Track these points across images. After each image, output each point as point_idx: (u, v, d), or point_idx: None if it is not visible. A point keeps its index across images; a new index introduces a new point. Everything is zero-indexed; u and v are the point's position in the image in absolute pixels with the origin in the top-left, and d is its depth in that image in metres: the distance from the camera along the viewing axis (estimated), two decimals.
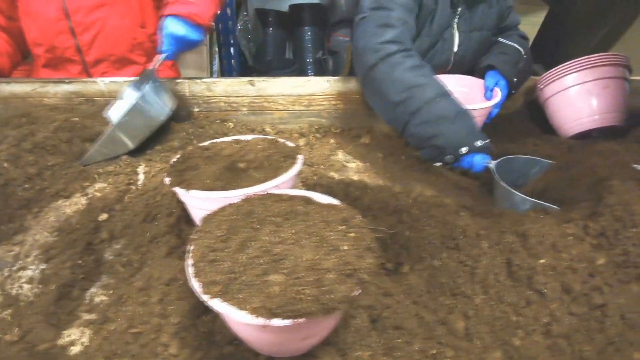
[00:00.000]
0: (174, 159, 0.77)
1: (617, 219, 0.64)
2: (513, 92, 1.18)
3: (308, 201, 0.63)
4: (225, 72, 2.06)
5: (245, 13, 3.07)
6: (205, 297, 0.45)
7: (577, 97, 1.13)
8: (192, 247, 0.52)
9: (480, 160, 0.93)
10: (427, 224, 0.72)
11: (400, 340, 0.56)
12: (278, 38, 3.31)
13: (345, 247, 0.49)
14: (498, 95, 1.08)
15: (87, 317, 0.66)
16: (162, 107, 1.05)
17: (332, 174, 1.05)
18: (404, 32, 1.01)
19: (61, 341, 0.62)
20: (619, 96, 1.09)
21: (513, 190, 0.79)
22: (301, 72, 3.13)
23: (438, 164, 0.99)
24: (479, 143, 0.92)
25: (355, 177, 1.04)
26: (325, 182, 0.98)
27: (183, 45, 1.10)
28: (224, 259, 0.49)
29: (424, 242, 0.70)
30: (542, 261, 0.60)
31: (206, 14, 1.11)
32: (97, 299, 0.70)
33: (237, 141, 0.85)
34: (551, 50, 2.63)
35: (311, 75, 3.13)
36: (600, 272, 0.59)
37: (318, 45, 3.31)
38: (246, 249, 0.50)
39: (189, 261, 0.50)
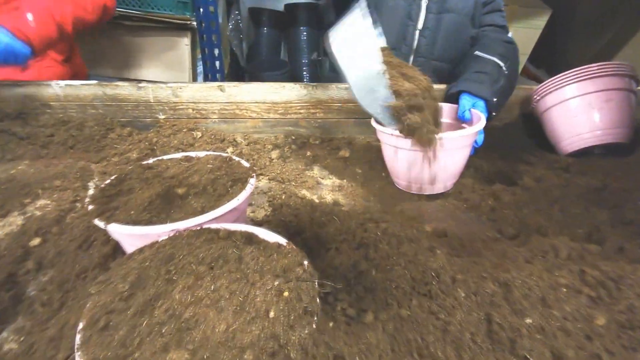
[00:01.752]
0: (108, 180, 0.66)
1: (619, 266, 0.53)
2: (494, 114, 1.03)
3: (249, 240, 0.53)
4: (210, 74, 1.96)
5: (237, 12, 2.96)
6: None
7: (577, 110, 1.02)
8: (87, 305, 0.42)
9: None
10: (396, 262, 0.62)
11: None
12: (272, 38, 3.20)
13: (273, 314, 0.39)
14: (482, 118, 0.89)
15: None
16: None
17: (304, 192, 0.95)
18: None
19: None
20: (623, 110, 0.98)
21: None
22: (296, 73, 3.02)
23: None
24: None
25: (329, 197, 0.94)
26: (293, 202, 0.88)
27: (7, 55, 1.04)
28: (118, 326, 0.38)
29: (391, 285, 0.59)
30: (528, 320, 0.49)
31: (36, 32, 1.06)
32: (6, 347, 0.59)
33: (187, 158, 0.74)
34: (553, 56, 2.52)
35: (306, 77, 3.03)
36: (599, 334, 0.49)
37: (314, 45, 3.20)
38: (150, 312, 0.40)
39: (79, 325, 0.40)
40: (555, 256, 0.59)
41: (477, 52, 1.08)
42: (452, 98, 1.04)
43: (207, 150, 0.74)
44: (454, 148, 0.84)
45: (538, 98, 1.10)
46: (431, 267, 0.59)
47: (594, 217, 0.77)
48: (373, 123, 0.90)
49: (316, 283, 0.45)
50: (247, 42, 3.09)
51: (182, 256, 0.47)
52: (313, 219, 0.77)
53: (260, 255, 0.48)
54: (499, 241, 0.73)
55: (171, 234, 0.52)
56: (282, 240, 0.53)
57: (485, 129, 0.98)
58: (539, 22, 2.48)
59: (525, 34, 2.44)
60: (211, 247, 0.49)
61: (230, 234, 0.53)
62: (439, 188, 0.94)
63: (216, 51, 1.88)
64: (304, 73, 3.08)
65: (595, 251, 0.62)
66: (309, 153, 1.12)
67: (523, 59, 2.53)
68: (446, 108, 1.01)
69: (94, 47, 1.72)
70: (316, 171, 1.05)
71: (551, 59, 2.48)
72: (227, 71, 2.65)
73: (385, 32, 1.23)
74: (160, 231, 0.53)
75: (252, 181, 0.65)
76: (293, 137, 1.18)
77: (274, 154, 1.09)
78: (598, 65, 0.98)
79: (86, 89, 1.09)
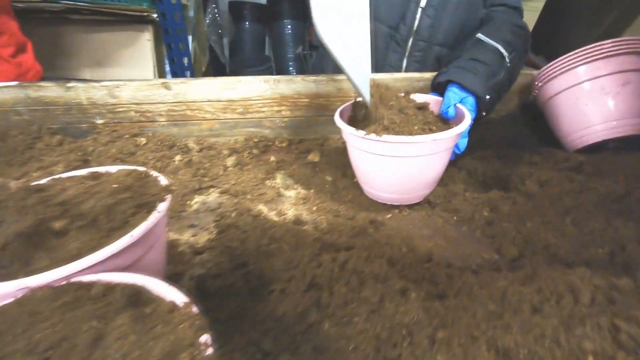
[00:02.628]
0: None
1: None
2: (484, 114, 0.84)
3: (133, 300, 0.36)
4: (178, 72, 1.79)
5: (214, 5, 2.79)
6: None
7: (588, 97, 0.85)
8: None
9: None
10: (356, 313, 0.45)
11: None
12: (255, 32, 3.04)
13: None
14: (467, 117, 0.71)
15: None
16: None
17: (260, 207, 0.79)
18: None
19: None
20: None
21: None
22: (281, 68, 2.85)
23: None
24: None
25: (290, 212, 0.77)
26: (243, 223, 0.72)
27: None
28: None
29: (348, 345, 0.43)
30: None
31: None
32: None
33: (93, 175, 0.58)
34: (554, 40, 2.34)
35: (292, 72, 2.86)
36: None
37: (299, 39, 3.04)
38: None
39: None
40: (575, 301, 0.42)
41: (479, 35, 0.89)
42: (440, 88, 0.87)
43: (135, 165, 0.57)
44: (428, 153, 0.67)
45: (540, 84, 0.93)
46: (402, 322, 0.42)
47: (617, 232, 0.60)
48: (337, 121, 0.73)
49: None
50: (228, 37, 2.92)
51: (10, 339, 0.31)
52: (259, 248, 0.61)
53: (132, 333, 0.32)
54: (498, 270, 0.56)
55: (19, 295, 0.36)
56: (180, 300, 0.36)
57: (473, 131, 0.81)
58: (537, 3, 2.31)
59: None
60: (62, 319, 0.33)
61: (108, 291, 0.37)
62: (411, 198, 0.78)
63: (182, 46, 1.71)
64: (290, 68, 2.91)
65: (627, 288, 0.45)
66: (272, 158, 0.96)
67: None
68: (429, 101, 0.83)
69: (46, 45, 1.55)
70: (279, 180, 0.88)
71: (551, 44, 2.30)
72: (204, 69, 2.48)
73: (382, 9, 1.06)
74: (7, 289, 0.36)
75: (162, 206, 0.48)
76: (255, 140, 1.01)
77: (230, 161, 0.92)
78: (612, 42, 0.81)
79: (5, 91, 0.92)
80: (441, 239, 0.70)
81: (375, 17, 1.06)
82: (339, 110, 0.77)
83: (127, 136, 0.96)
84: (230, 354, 0.47)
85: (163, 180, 0.55)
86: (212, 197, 0.82)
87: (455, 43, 1.04)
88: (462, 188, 0.81)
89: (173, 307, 0.36)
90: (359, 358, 0.42)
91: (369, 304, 0.45)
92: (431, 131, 0.70)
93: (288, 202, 0.81)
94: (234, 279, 0.59)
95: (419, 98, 0.81)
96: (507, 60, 0.84)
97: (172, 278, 0.61)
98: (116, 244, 0.41)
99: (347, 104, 0.81)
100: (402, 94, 0.78)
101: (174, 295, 0.37)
